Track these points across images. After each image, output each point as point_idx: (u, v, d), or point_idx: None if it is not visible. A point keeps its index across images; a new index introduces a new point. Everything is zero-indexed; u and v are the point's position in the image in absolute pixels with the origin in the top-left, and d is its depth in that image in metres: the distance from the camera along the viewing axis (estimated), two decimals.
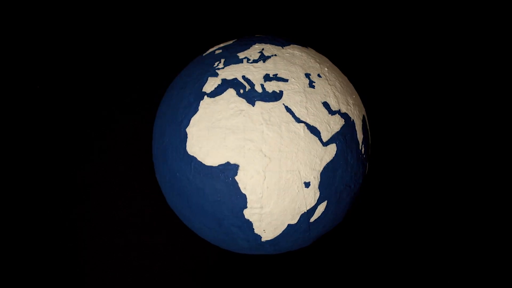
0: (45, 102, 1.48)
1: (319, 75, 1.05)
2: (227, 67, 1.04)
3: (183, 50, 1.49)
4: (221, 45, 1.15)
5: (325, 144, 1.00)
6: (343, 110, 1.05)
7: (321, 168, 1.00)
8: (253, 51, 1.06)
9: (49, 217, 1.37)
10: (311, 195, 1.00)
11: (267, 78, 1.01)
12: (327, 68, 1.11)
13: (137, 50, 1.55)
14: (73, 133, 1.45)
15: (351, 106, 1.08)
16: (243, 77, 1.01)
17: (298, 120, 0.98)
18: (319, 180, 1.00)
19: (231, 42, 1.15)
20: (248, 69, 1.02)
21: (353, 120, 1.07)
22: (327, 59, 1.18)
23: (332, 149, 1.02)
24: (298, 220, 1.03)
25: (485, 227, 1.39)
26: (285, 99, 0.99)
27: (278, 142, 0.96)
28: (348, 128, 1.05)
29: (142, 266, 1.33)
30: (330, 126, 1.01)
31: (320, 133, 1.00)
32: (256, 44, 1.09)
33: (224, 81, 1.01)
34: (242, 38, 1.16)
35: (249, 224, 1.01)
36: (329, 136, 1.01)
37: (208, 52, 1.15)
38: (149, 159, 1.21)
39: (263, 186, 0.97)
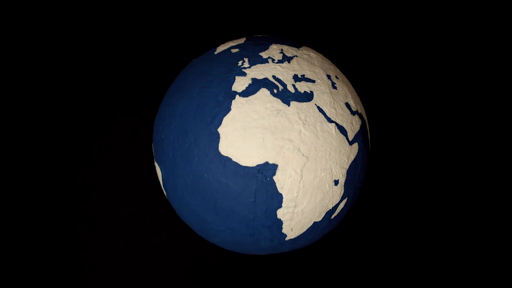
0: (45, 102, 1.46)
1: (336, 77, 1.09)
2: (254, 66, 1.03)
3: (183, 50, 1.48)
4: (231, 43, 1.13)
5: (350, 143, 1.05)
6: (359, 110, 1.11)
7: (348, 166, 1.04)
8: (274, 52, 1.07)
9: (49, 217, 1.37)
10: (338, 193, 1.04)
11: (296, 78, 1.02)
12: (338, 70, 1.15)
13: (137, 50, 1.52)
14: (73, 133, 1.44)
15: (361, 106, 1.14)
16: (274, 77, 1.01)
17: (330, 120, 1.01)
18: (345, 178, 1.04)
19: (241, 41, 1.13)
20: (276, 69, 1.02)
21: (365, 119, 1.13)
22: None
23: (355, 148, 1.06)
24: (323, 218, 1.06)
25: (485, 227, 1.41)
26: (316, 99, 1.01)
27: (314, 142, 0.98)
28: (364, 128, 1.11)
29: (142, 266, 1.32)
30: (353, 126, 1.06)
31: (347, 133, 1.04)
32: (273, 44, 1.10)
33: (254, 80, 1.00)
34: (251, 37, 1.15)
35: (279, 223, 1.02)
36: (353, 135, 1.06)
37: (220, 50, 1.12)
38: (149, 159, 1.23)
39: (300, 185, 0.98)
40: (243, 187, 0.98)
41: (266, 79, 1.00)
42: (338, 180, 1.02)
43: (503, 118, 1.50)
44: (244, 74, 1.01)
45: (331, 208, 1.05)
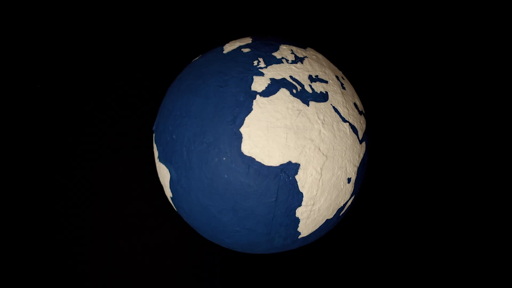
0: (46, 102, 1.44)
1: (342, 77, 1.13)
2: (270, 66, 1.04)
3: (183, 50, 1.45)
4: (238, 43, 1.13)
5: (360, 142, 1.09)
6: (363, 110, 1.15)
7: (359, 164, 1.09)
8: (286, 52, 1.08)
9: (49, 217, 1.36)
10: (349, 190, 1.08)
11: (311, 79, 1.04)
12: (340, 71, 1.19)
13: (137, 51, 1.50)
14: (73, 133, 1.42)
15: (362, 105, 1.19)
16: (291, 77, 1.02)
17: (344, 120, 1.05)
18: (356, 175, 1.09)
19: (249, 41, 1.13)
20: (292, 70, 1.04)
21: (367, 119, 1.18)
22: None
23: (364, 146, 1.11)
24: (334, 215, 1.09)
25: (485, 227, 1.42)
26: (331, 99, 1.04)
27: (332, 141, 1.01)
28: (368, 127, 1.16)
29: (142, 266, 1.33)
30: (362, 125, 1.11)
31: (357, 132, 1.08)
32: (282, 44, 1.11)
33: (273, 80, 1.01)
34: (257, 37, 1.16)
35: (296, 222, 1.04)
36: (362, 134, 1.10)
37: (229, 50, 1.12)
38: (150, 159, 1.21)
39: (319, 183, 1.01)
40: (265, 187, 0.98)
41: (284, 79, 1.01)
42: (350, 178, 1.06)
43: (503, 118, 1.50)
44: (262, 74, 1.01)
45: (342, 205, 1.08)
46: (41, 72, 1.45)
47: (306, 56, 1.09)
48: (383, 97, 1.53)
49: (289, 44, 1.12)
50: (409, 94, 1.54)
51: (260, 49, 1.08)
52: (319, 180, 0.99)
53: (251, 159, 0.97)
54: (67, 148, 1.42)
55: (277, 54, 1.06)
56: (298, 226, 1.04)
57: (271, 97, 0.99)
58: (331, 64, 1.14)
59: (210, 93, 1.02)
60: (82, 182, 1.40)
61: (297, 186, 0.98)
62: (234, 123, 0.97)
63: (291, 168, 0.97)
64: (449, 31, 1.58)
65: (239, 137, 0.97)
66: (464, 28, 1.57)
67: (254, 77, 1.01)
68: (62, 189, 1.39)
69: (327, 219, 1.07)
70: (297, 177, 0.98)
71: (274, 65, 1.04)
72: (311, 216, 1.03)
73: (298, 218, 1.02)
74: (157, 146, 1.12)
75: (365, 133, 1.11)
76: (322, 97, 1.02)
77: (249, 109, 0.98)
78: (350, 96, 1.10)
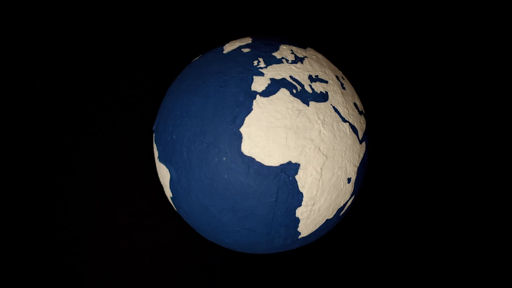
0: (46, 102, 1.44)
1: (342, 77, 1.13)
2: (270, 66, 1.03)
3: (183, 50, 1.45)
4: (238, 43, 1.13)
5: (360, 142, 1.09)
6: (363, 110, 1.15)
7: (358, 164, 1.09)
8: (286, 52, 1.08)
9: (49, 217, 1.37)
10: (349, 190, 1.08)
11: (311, 79, 1.04)
12: (340, 71, 1.19)
13: (137, 51, 1.50)
14: (73, 133, 1.43)
15: (362, 105, 1.19)
16: (291, 77, 1.02)
17: (344, 120, 1.05)
18: (356, 175, 1.09)
19: (249, 41, 1.13)
20: (292, 70, 1.04)
21: (367, 119, 1.18)
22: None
23: (364, 146, 1.11)
24: (334, 215, 1.09)
25: (485, 227, 1.42)
26: (331, 99, 1.04)
27: (332, 141, 1.01)
28: (368, 127, 1.16)
29: (143, 266, 1.33)
30: (362, 125, 1.11)
31: (357, 132, 1.08)
32: (282, 44, 1.11)
33: (273, 80, 1.01)
34: (257, 37, 1.16)
35: (296, 222, 1.04)
36: (362, 134, 1.10)
37: (229, 49, 1.12)
38: (150, 159, 1.20)
39: (319, 183, 1.01)
40: (265, 187, 0.98)
41: (284, 79, 1.01)
42: (350, 178, 1.06)
43: (503, 118, 1.50)
44: (262, 74, 1.01)
45: (342, 205, 1.08)
46: (41, 72, 1.45)
47: (306, 56, 1.09)
48: (383, 97, 1.52)
49: (289, 44, 1.12)
50: (409, 94, 1.54)
51: (260, 49, 1.08)
52: (319, 180, 0.99)
53: (251, 159, 0.97)
54: (67, 148, 1.41)
55: (277, 54, 1.06)
56: (298, 226, 1.04)
57: (271, 97, 0.99)
58: (331, 64, 1.14)
59: (210, 93, 1.02)
60: (82, 182, 1.40)
61: (297, 186, 0.98)
62: (234, 123, 0.97)
63: (291, 168, 0.97)
64: (449, 31, 1.57)
65: (239, 137, 0.97)
66: (464, 28, 1.57)
67: (254, 77, 1.01)
68: (62, 189, 1.39)
69: (327, 219, 1.07)
70: (297, 177, 0.98)
71: (274, 65, 1.04)
72: (311, 216, 1.03)
73: (298, 218, 1.02)
74: (157, 146, 1.12)
75: (365, 133, 1.11)
76: (322, 97, 1.02)
77: (249, 109, 0.98)
78: (350, 96, 1.10)
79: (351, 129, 1.05)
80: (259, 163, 0.97)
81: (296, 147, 0.97)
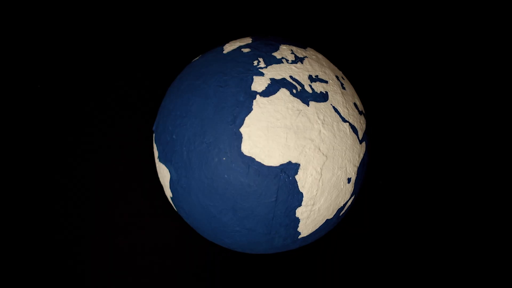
0: (46, 102, 1.44)
1: (342, 77, 1.13)
2: (270, 66, 1.03)
3: (183, 50, 1.45)
4: (238, 43, 1.13)
5: (360, 142, 1.09)
6: (363, 110, 1.15)
7: (359, 164, 1.09)
8: (286, 52, 1.08)
9: (49, 217, 1.37)
10: (349, 190, 1.08)
11: (311, 79, 1.04)
12: (340, 71, 1.19)
13: (137, 51, 1.50)
14: (73, 133, 1.43)
15: (362, 105, 1.19)
16: (291, 77, 1.02)
17: (344, 120, 1.05)
18: (356, 175, 1.09)
19: (249, 41, 1.13)
20: (292, 70, 1.04)
21: (367, 119, 1.18)
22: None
23: (363, 146, 1.11)
24: (334, 215, 1.09)
25: (485, 227, 1.42)
26: (331, 99, 1.04)
27: (332, 141, 1.01)
28: (368, 127, 1.16)
29: (143, 266, 1.33)
30: (362, 125, 1.11)
31: (357, 132, 1.08)
32: (282, 45, 1.11)
33: (273, 80, 1.01)
34: (257, 37, 1.16)
35: (296, 222, 1.04)
36: (362, 134, 1.10)
37: (229, 49, 1.11)
38: (150, 159, 1.20)
39: (319, 184, 1.01)
40: (265, 187, 0.98)
41: (284, 79, 1.01)
42: (350, 178, 1.06)
43: (503, 118, 1.50)
44: (262, 74, 1.01)
45: (342, 205, 1.08)
46: (41, 72, 1.45)
47: (306, 56, 1.09)
48: (383, 97, 1.52)
49: (289, 44, 1.12)
50: (409, 94, 1.54)
51: (260, 49, 1.08)
52: (319, 180, 0.99)
53: (251, 159, 0.97)
54: (67, 148, 1.42)
55: (277, 54, 1.06)
56: (298, 226, 1.04)
57: (271, 97, 0.99)
58: (331, 64, 1.14)
59: (210, 93, 1.02)
60: (82, 182, 1.40)
61: (297, 186, 0.98)
62: (234, 123, 0.97)
63: (291, 168, 0.97)
64: (449, 31, 1.57)
65: (239, 137, 0.97)
66: (464, 28, 1.57)
67: (254, 77, 1.01)
68: (62, 189, 1.39)
69: (327, 219, 1.07)
70: (297, 177, 0.98)
71: (274, 65, 1.03)
72: (311, 216, 1.03)
73: (298, 218, 1.02)
74: (157, 146, 1.12)
75: (365, 133, 1.11)
76: (322, 97, 1.02)
77: (249, 109, 0.98)
78: (350, 96, 1.10)
79: (351, 129, 1.05)
80: (259, 163, 0.97)
81: (296, 147, 0.97)
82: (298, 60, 1.06)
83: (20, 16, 1.48)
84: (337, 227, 1.22)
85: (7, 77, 1.43)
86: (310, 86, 1.02)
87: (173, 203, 1.14)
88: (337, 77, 1.10)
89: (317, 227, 1.08)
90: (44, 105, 1.43)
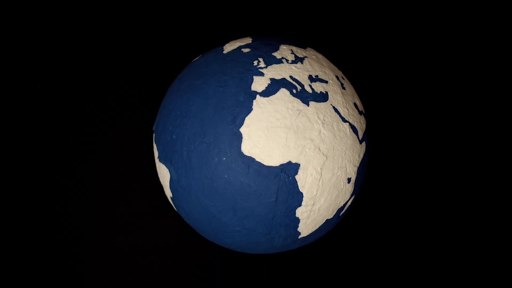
0: (46, 102, 1.44)
1: (342, 77, 1.13)
2: (270, 66, 1.03)
3: (183, 50, 1.45)
4: (238, 43, 1.13)
5: (360, 142, 1.09)
6: (363, 110, 1.15)
7: (359, 164, 1.09)
8: (286, 52, 1.08)
9: (49, 217, 1.37)
10: (349, 190, 1.08)
11: (311, 79, 1.04)
12: (340, 71, 1.19)
13: (137, 51, 1.50)
14: (73, 133, 1.43)
15: (362, 105, 1.19)
16: (291, 77, 1.02)
17: (344, 120, 1.05)
18: (356, 175, 1.09)
19: (249, 41, 1.13)
20: (292, 70, 1.04)
21: (367, 119, 1.18)
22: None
23: (363, 146, 1.11)
24: (334, 215, 1.09)
25: (485, 227, 1.42)
26: (331, 99, 1.04)
27: (332, 141, 1.01)
28: (368, 127, 1.16)
29: (143, 266, 1.34)
30: (362, 125, 1.11)
31: (357, 132, 1.08)
32: (282, 44, 1.11)
33: (273, 80, 1.01)
34: (257, 37, 1.16)
35: (296, 222, 1.04)
36: (362, 134, 1.10)
37: (229, 50, 1.11)
38: (150, 159, 1.21)
39: (319, 184, 1.01)
40: (265, 187, 0.98)
41: (284, 79, 1.01)
42: (350, 178, 1.06)
43: (503, 118, 1.50)
44: (262, 74, 1.01)
45: (342, 205, 1.08)
46: (41, 72, 1.45)
47: (306, 56, 1.09)
48: (383, 97, 1.52)
49: (289, 44, 1.12)
50: (409, 94, 1.54)
51: (260, 49, 1.08)
52: (319, 180, 0.99)
53: (251, 159, 0.97)
54: (67, 148, 1.42)
55: (277, 54, 1.06)
56: (298, 226, 1.04)
57: (271, 97, 0.99)
58: (331, 64, 1.14)
59: (210, 93, 1.02)
60: (82, 182, 1.40)
61: (297, 186, 0.98)
62: (234, 123, 0.97)
63: (291, 168, 0.97)
64: (449, 31, 1.57)
65: (239, 137, 0.97)
66: (464, 28, 1.57)
67: (254, 77, 1.01)
68: (62, 189, 1.39)
69: (327, 219, 1.07)
70: (297, 177, 0.98)
71: (274, 65, 1.03)
72: (311, 216, 1.03)
73: (298, 218, 1.02)
74: (157, 146, 1.12)
75: (365, 133, 1.11)
76: (322, 97, 1.02)
77: (249, 109, 0.98)
78: (350, 96, 1.10)
79: (351, 129, 1.05)
80: (259, 163, 0.97)
81: (296, 147, 0.97)
82: (298, 60, 1.06)
83: (20, 16, 1.48)
84: (337, 227, 1.22)
85: (7, 77, 1.43)
86: (310, 86, 1.02)
87: (173, 203, 1.14)
88: (337, 77, 1.10)
89: (317, 227, 1.07)
90: (44, 105, 1.44)
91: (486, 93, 1.53)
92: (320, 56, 1.14)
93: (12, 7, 1.47)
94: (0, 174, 1.38)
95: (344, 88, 1.09)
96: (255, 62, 1.03)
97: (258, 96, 0.98)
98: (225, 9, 1.56)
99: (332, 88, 1.05)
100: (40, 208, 1.37)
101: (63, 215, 1.37)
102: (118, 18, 1.52)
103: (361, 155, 1.09)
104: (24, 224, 1.36)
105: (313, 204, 1.01)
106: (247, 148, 0.96)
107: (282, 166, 0.97)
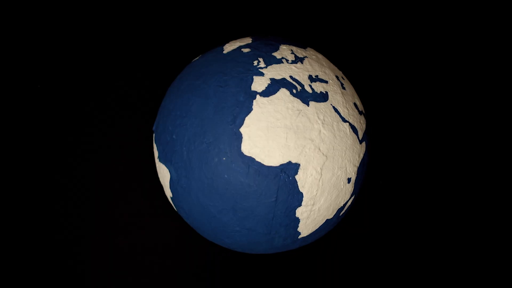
0: (46, 102, 1.44)
1: (342, 77, 1.13)
2: (270, 66, 1.03)
3: (183, 50, 1.45)
4: (238, 43, 1.13)
5: (360, 142, 1.09)
6: (363, 110, 1.15)
7: (358, 164, 1.09)
8: (286, 52, 1.08)
9: (49, 217, 1.37)
10: (349, 190, 1.08)
11: (311, 79, 1.04)
12: (340, 71, 1.19)
13: (137, 51, 1.50)
14: (73, 133, 1.43)
15: (362, 105, 1.19)
16: (291, 77, 1.02)
17: (344, 120, 1.04)
18: (356, 175, 1.09)
19: (249, 41, 1.13)
20: (292, 70, 1.04)
21: (367, 119, 1.18)
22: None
23: (363, 146, 1.11)
24: (334, 215, 1.09)
25: (485, 227, 1.42)
26: (331, 99, 1.04)
27: (332, 141, 1.01)
28: (368, 127, 1.16)
29: (143, 266, 1.34)
30: (361, 125, 1.10)
31: (357, 132, 1.08)
32: (282, 44, 1.11)
33: (273, 80, 1.01)
34: (257, 37, 1.16)
35: (296, 222, 1.04)
36: (362, 134, 1.10)
37: (229, 50, 1.11)
38: (150, 159, 1.21)
39: (319, 183, 1.01)
40: (265, 187, 0.98)
41: (284, 79, 1.01)
42: (350, 178, 1.06)
43: (503, 118, 1.50)
44: (262, 74, 1.01)
45: (342, 205, 1.08)
46: (41, 72, 1.45)
47: (306, 56, 1.09)
48: (383, 97, 1.52)
49: (289, 44, 1.12)
50: (409, 94, 1.54)
51: (260, 49, 1.08)
52: (319, 180, 0.99)
53: (251, 159, 0.97)
54: (67, 148, 1.42)
55: (277, 54, 1.06)
56: (298, 226, 1.04)
57: (271, 97, 0.99)
58: (331, 64, 1.14)
59: (210, 93, 1.02)
60: (82, 182, 1.40)
61: (297, 186, 0.98)
62: (234, 123, 0.97)
63: (291, 168, 0.97)
64: (449, 31, 1.57)
65: (239, 137, 0.97)
66: (464, 28, 1.57)
67: (254, 77, 1.01)
68: (62, 189, 1.39)
69: (327, 219, 1.07)
70: (297, 177, 0.98)
71: (274, 65, 1.03)
72: (311, 216, 1.03)
73: (298, 218, 1.02)
74: (157, 146, 1.12)
75: (365, 133, 1.11)
76: (322, 97, 1.02)
77: (249, 109, 0.98)
78: (350, 96, 1.10)
79: (351, 129, 1.05)
80: (259, 163, 0.97)
81: (296, 147, 0.97)
82: (298, 60, 1.06)
83: (20, 16, 1.48)
84: (337, 227, 1.22)
85: (7, 77, 1.43)
86: (310, 86, 1.02)
87: (173, 203, 1.14)
88: (337, 77, 1.10)
89: (317, 227, 1.07)
90: (44, 105, 1.44)
91: (486, 93, 1.53)
92: (320, 56, 1.14)
93: (12, 7, 1.47)
94: (0, 174, 1.38)
95: (344, 88, 1.09)
96: (255, 62, 1.03)
97: (258, 96, 0.98)
98: (225, 9, 1.55)
99: (332, 88, 1.05)
100: (40, 208, 1.37)
101: (63, 215, 1.37)
102: (118, 18, 1.52)
103: (361, 155, 1.09)
104: (24, 224, 1.36)
105: (313, 204, 1.01)
106: (247, 148, 0.96)
107: (282, 166, 0.97)
